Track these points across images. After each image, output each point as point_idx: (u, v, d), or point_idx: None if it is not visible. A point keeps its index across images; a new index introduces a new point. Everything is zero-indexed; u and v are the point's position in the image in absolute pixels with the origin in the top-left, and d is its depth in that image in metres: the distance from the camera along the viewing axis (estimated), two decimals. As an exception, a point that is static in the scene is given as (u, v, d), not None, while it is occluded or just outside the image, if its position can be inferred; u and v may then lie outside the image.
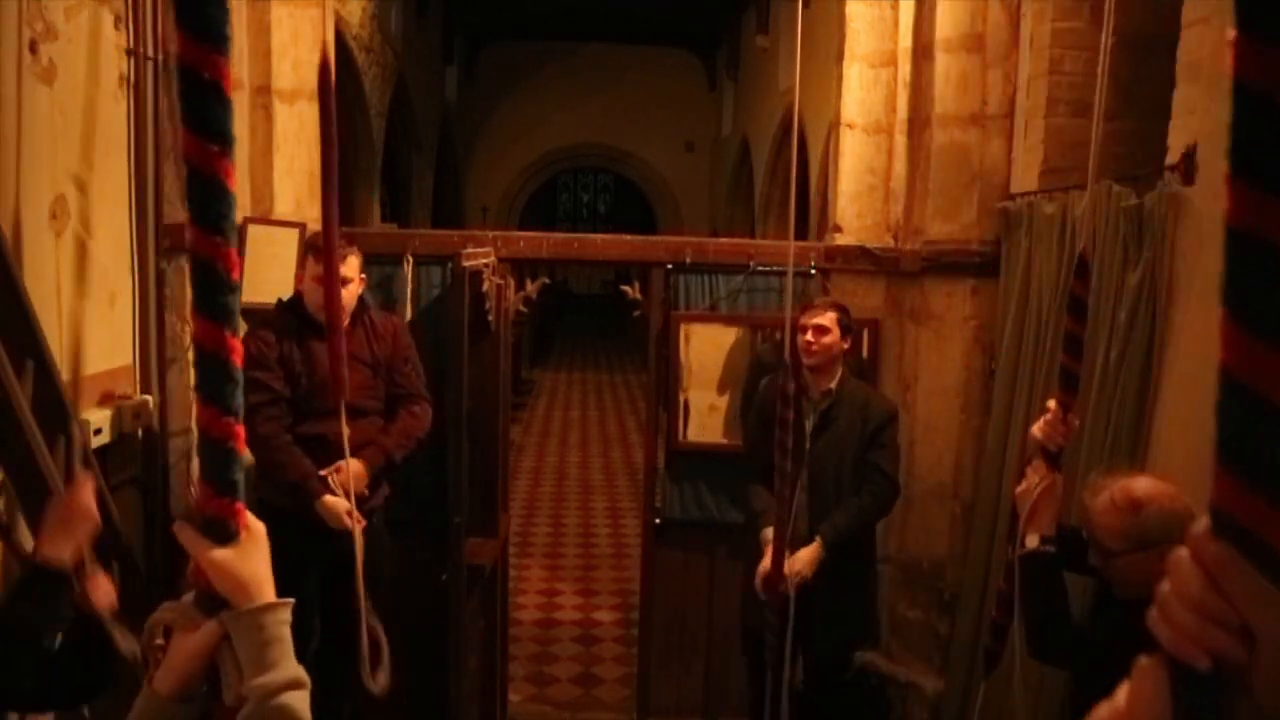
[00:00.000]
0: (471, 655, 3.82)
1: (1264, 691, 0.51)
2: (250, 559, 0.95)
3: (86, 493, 1.74)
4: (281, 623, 0.95)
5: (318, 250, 2.93)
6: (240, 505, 0.94)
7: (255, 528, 0.97)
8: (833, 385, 3.15)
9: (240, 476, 0.92)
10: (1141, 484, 1.94)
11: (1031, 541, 2.08)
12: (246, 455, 0.92)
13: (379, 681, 2.59)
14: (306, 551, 3.06)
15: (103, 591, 1.77)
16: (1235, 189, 0.49)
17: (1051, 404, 2.14)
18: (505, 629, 4.14)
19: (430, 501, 3.58)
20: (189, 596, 0.97)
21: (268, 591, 0.96)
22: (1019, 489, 2.16)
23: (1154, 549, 1.89)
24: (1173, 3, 2.51)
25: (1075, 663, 2.14)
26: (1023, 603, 2.08)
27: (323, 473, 2.95)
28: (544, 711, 4.31)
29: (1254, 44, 0.47)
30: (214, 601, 0.94)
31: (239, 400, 0.90)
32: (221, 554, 0.93)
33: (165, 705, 0.95)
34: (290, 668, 0.95)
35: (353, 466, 2.90)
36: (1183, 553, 0.54)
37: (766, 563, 2.94)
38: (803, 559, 3.03)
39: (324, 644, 3.19)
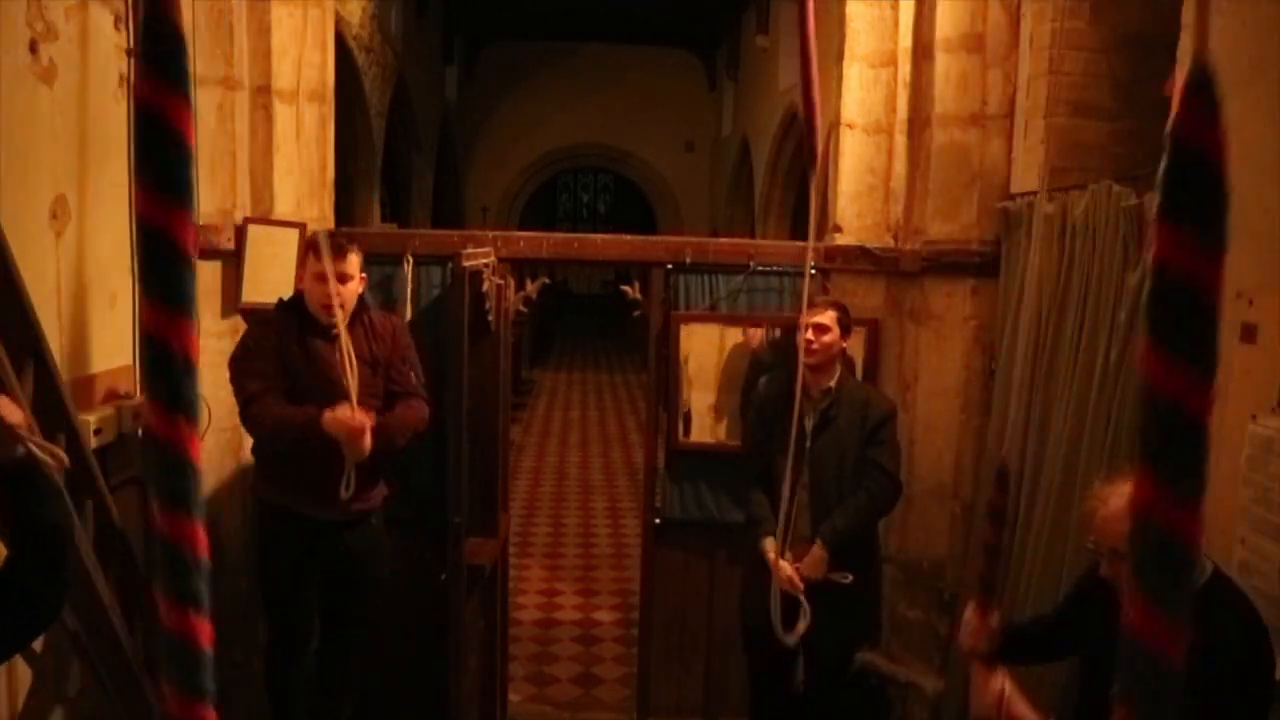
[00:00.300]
0: (471, 655, 3.82)
1: None
2: None
3: None
4: None
5: (317, 249, 2.92)
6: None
7: None
8: (832, 384, 3.15)
9: (210, 685, 0.75)
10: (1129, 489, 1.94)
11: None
12: (208, 652, 0.74)
13: None
14: (306, 551, 3.06)
15: (7, 406, 1.50)
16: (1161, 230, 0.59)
17: (969, 610, 2.16)
18: (505, 629, 4.14)
19: (430, 501, 3.58)
20: None
21: None
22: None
23: None
24: (1173, 3, 2.51)
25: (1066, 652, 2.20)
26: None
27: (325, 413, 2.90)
28: (544, 711, 4.31)
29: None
30: None
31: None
32: None
33: None
34: None
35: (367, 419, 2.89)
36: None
37: None
38: (809, 565, 3.06)
39: (324, 644, 3.19)
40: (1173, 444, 0.60)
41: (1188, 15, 2.45)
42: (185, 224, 0.71)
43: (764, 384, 3.40)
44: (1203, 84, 0.58)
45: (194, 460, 0.72)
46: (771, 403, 3.23)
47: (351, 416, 2.84)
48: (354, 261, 3.00)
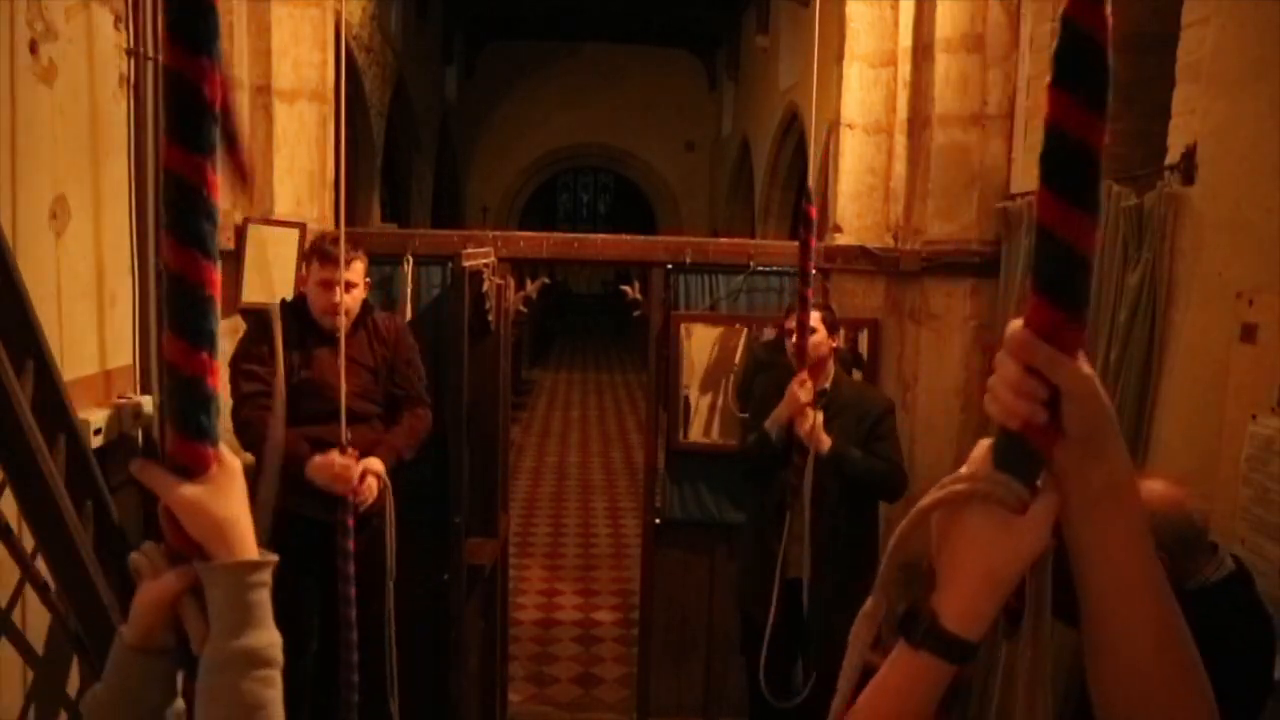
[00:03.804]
0: (471, 655, 3.82)
1: (1071, 433, 0.70)
2: (226, 497, 0.83)
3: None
4: (261, 584, 0.85)
5: (323, 254, 2.93)
6: (214, 450, 0.83)
7: (230, 464, 0.84)
8: (827, 385, 3.16)
9: (215, 419, 0.82)
10: (1144, 488, 1.94)
11: None
12: (222, 396, 0.86)
13: None
14: (306, 552, 3.06)
15: None
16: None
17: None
18: (505, 629, 4.14)
19: (430, 501, 3.58)
20: (164, 544, 0.88)
21: (248, 539, 0.85)
22: None
23: (1159, 552, 1.89)
24: (1173, 3, 2.51)
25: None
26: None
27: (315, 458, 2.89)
28: (544, 711, 4.31)
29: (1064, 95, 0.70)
30: (183, 556, 0.85)
31: (213, 329, 0.80)
32: (192, 491, 0.81)
33: (132, 656, 0.86)
34: (265, 635, 0.86)
35: (371, 464, 2.90)
36: (1003, 352, 0.73)
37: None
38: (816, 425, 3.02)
39: (324, 644, 3.19)
40: (1063, 277, 0.70)
41: (1188, 15, 2.45)
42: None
43: (758, 384, 3.40)
44: None
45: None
46: (769, 400, 3.23)
47: (335, 464, 2.80)
48: (358, 269, 3.01)
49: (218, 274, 0.80)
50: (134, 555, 0.87)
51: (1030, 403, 0.71)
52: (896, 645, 0.79)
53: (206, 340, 0.80)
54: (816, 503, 3.13)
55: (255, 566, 0.84)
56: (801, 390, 3.02)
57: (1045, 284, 0.70)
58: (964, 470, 0.77)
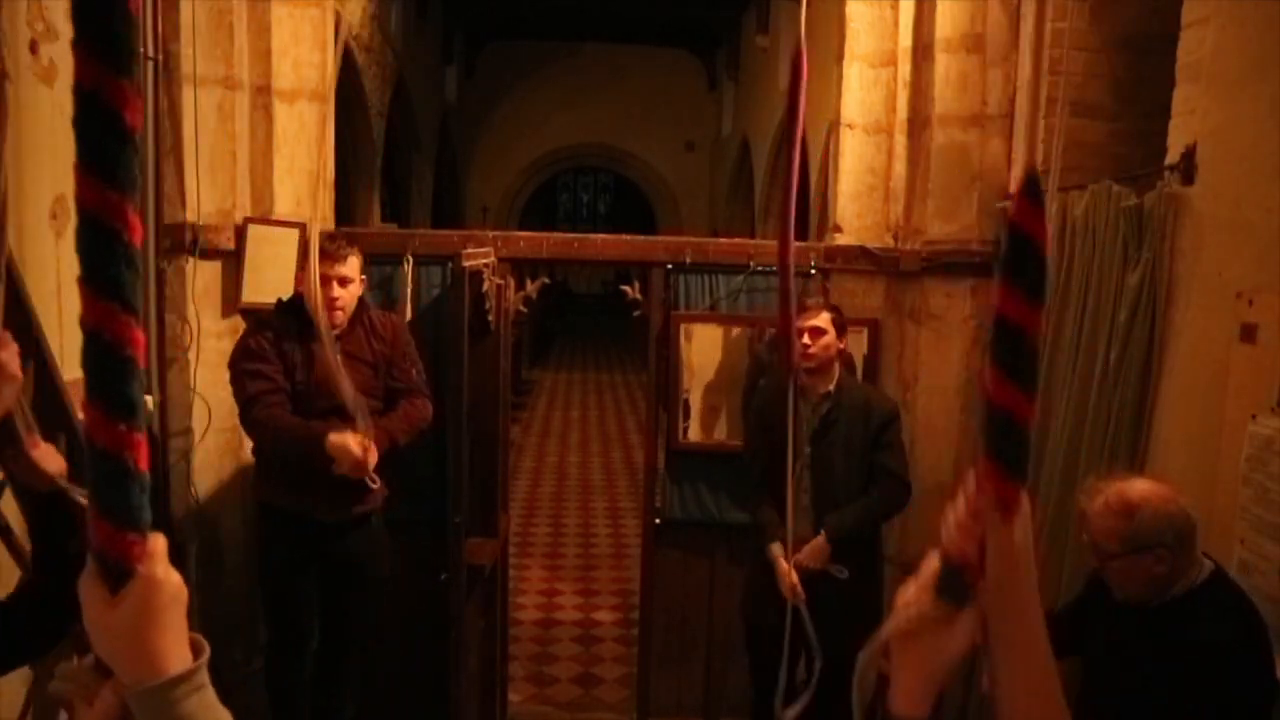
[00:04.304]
0: (471, 655, 3.82)
1: (989, 576, 0.89)
2: (146, 614, 0.74)
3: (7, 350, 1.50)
4: (192, 690, 0.77)
5: (324, 252, 2.92)
6: (140, 541, 0.73)
7: (153, 565, 0.74)
8: (831, 388, 3.14)
9: (141, 500, 0.72)
10: (1136, 487, 1.94)
11: None
12: (145, 475, 0.72)
13: None
14: (306, 552, 3.06)
15: (50, 456, 1.60)
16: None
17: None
18: (505, 629, 4.14)
19: (430, 501, 3.58)
20: (90, 657, 0.80)
21: (171, 655, 0.76)
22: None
23: (1149, 551, 1.90)
24: (1173, 3, 2.51)
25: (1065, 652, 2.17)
26: None
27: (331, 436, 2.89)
28: (544, 711, 4.31)
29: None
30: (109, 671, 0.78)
31: (133, 396, 0.70)
32: (108, 617, 0.73)
33: None
34: None
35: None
36: (960, 499, 0.90)
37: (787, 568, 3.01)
38: (809, 554, 3.04)
39: (323, 644, 3.19)
40: (1006, 442, 0.86)
41: (1188, 15, 2.45)
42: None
43: (761, 386, 3.39)
44: (1032, 187, 0.84)
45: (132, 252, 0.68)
46: (770, 407, 3.22)
47: (354, 446, 2.84)
48: (353, 264, 3.00)
49: (140, 332, 0.70)
50: (55, 684, 0.81)
51: (968, 541, 0.89)
52: None
53: (126, 410, 0.70)
54: (819, 508, 3.13)
55: (178, 681, 0.76)
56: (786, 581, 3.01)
57: (992, 447, 0.86)
58: (910, 594, 0.95)
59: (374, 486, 2.96)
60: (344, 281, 2.95)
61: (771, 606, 3.08)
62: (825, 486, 3.12)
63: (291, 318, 3.00)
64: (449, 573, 3.53)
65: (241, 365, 2.95)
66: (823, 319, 3.11)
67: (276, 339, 2.97)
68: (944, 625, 0.92)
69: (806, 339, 3.06)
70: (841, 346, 3.20)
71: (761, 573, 3.20)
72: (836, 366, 3.18)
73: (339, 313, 2.96)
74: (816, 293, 3.61)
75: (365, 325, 3.10)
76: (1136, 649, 1.97)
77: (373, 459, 2.88)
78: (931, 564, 0.95)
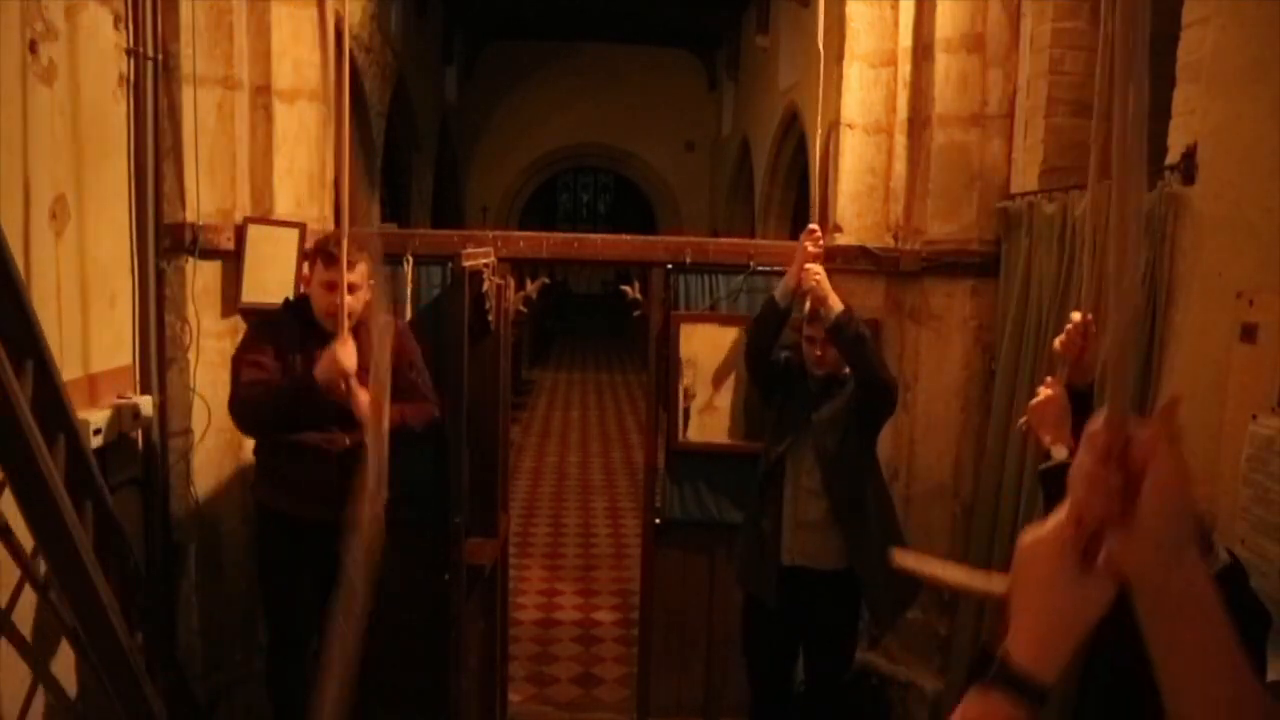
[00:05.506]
0: (471, 655, 3.82)
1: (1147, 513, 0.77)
2: None
3: None
4: None
5: (326, 256, 2.91)
6: None
7: None
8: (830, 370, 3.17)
9: None
10: None
11: (1058, 453, 2.00)
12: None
13: None
14: (305, 552, 3.06)
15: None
16: None
17: (1076, 316, 2.07)
18: (505, 629, 4.14)
19: (430, 501, 3.58)
20: None
21: None
22: (1031, 403, 2.11)
23: None
24: (1173, 3, 2.51)
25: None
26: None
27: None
28: (544, 711, 4.31)
29: None
30: None
31: None
32: None
33: None
34: None
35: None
36: (1084, 453, 0.80)
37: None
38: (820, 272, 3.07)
39: (324, 644, 3.18)
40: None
41: (1188, 15, 2.45)
42: None
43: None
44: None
45: None
46: (780, 374, 3.28)
47: (340, 351, 2.75)
48: (362, 271, 2.99)
49: None
50: None
51: (1100, 496, 0.78)
52: (969, 694, 0.82)
53: None
54: (821, 476, 3.11)
55: None
56: (810, 242, 2.99)
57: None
58: (1041, 533, 0.82)
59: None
60: (352, 288, 2.95)
61: (766, 573, 3.10)
62: (825, 455, 3.10)
63: (296, 320, 3.00)
64: (449, 573, 3.54)
65: (240, 357, 2.96)
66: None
67: (278, 338, 2.97)
68: (1075, 574, 0.79)
69: (819, 350, 3.10)
70: None
71: (754, 539, 3.23)
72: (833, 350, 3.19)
73: (347, 318, 2.96)
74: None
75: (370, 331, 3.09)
76: (1134, 647, 1.96)
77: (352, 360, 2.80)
78: (1060, 518, 0.81)
